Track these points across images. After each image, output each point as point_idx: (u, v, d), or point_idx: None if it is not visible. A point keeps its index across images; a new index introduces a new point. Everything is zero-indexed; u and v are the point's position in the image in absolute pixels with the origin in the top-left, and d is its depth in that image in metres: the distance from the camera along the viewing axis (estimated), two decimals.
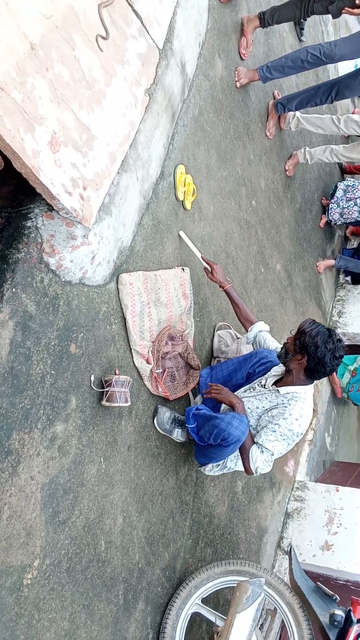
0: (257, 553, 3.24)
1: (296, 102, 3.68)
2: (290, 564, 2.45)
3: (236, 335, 2.96)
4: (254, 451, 2.17)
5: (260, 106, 3.67)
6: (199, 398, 2.67)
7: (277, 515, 3.53)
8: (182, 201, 2.69)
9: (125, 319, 2.22)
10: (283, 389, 2.27)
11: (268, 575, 2.42)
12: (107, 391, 2.01)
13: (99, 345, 2.06)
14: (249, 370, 2.52)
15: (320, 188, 4.92)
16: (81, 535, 1.92)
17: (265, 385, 2.37)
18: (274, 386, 2.33)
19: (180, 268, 2.59)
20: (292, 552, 2.47)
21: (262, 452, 2.17)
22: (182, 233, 2.62)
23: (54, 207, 1.81)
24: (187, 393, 2.66)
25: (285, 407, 2.21)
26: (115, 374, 2.11)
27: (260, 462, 2.17)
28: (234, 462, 2.38)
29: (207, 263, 2.66)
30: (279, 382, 2.36)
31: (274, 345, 2.59)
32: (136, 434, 2.26)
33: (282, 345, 2.34)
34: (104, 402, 2.01)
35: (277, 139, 3.93)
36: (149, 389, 2.35)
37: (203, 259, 2.67)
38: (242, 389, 2.46)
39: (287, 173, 4.09)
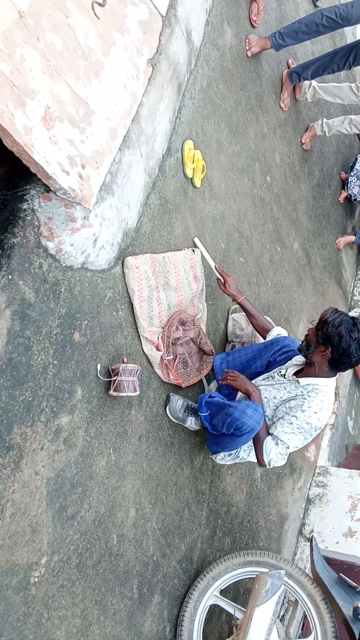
0: (278, 541, 3.16)
1: (312, 70, 3.49)
2: (312, 554, 2.36)
3: None
4: (268, 443, 2.07)
5: (273, 76, 3.49)
6: (213, 385, 2.57)
7: (299, 502, 3.44)
8: (191, 178, 2.56)
9: (132, 304, 2.12)
10: (303, 380, 2.15)
11: (288, 566, 2.34)
12: (115, 380, 1.92)
13: (105, 332, 1.97)
14: (269, 358, 2.39)
15: (339, 162, 4.71)
16: (91, 529, 1.86)
17: (285, 375, 2.25)
18: (294, 376, 2.22)
19: (190, 249, 2.47)
20: (313, 542, 2.37)
21: (277, 444, 2.06)
22: (197, 240, 2.49)
23: (51, 188, 1.70)
24: (201, 380, 2.56)
25: (305, 399, 2.09)
26: (123, 362, 2.02)
27: (274, 455, 2.06)
28: (246, 453, 2.29)
29: (220, 274, 2.52)
30: (299, 373, 2.24)
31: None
32: (147, 423, 2.18)
33: (303, 339, 2.21)
34: (111, 392, 1.92)
35: (293, 110, 3.74)
36: (159, 376, 2.26)
37: (216, 269, 2.53)
38: (260, 377, 2.35)
39: (303, 146, 3.91)
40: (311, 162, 4.07)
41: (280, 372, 2.30)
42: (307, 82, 3.69)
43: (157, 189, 2.31)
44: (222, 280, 2.51)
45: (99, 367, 1.91)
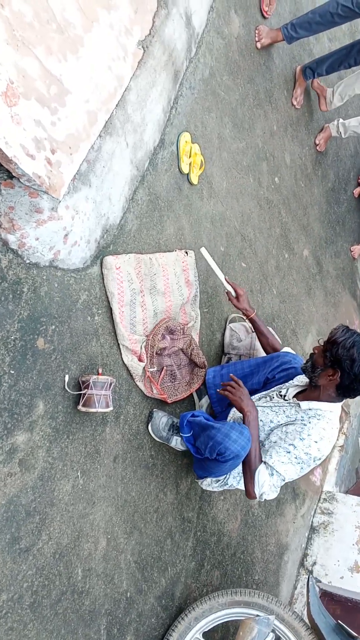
0: (276, 573, 2.89)
1: (327, 65, 3.26)
2: (308, 597, 2.10)
3: (250, 329, 2.59)
4: (261, 473, 1.82)
5: (285, 71, 3.27)
6: (204, 401, 2.34)
7: (301, 530, 3.16)
8: (187, 174, 2.34)
9: (111, 309, 1.90)
10: (305, 404, 1.90)
11: (281, 609, 2.07)
12: (84, 394, 1.70)
13: (77, 339, 1.75)
14: (267, 375, 2.15)
15: (356, 166, 4.46)
16: (50, 563, 1.63)
17: (285, 396, 2.01)
18: (294, 399, 1.97)
19: (183, 251, 2.25)
20: (310, 583, 2.11)
21: (272, 475, 1.81)
22: (203, 250, 2.25)
23: (13, 174, 1.50)
24: (191, 395, 2.32)
25: (305, 425, 1.84)
26: (99, 374, 1.81)
27: (268, 487, 1.81)
28: (236, 480, 2.04)
29: (231, 286, 2.29)
30: (301, 394, 1.99)
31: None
32: (125, 442, 1.95)
33: (308, 358, 1.96)
34: (80, 407, 1.70)
35: (306, 109, 3.51)
36: (142, 390, 2.03)
37: (227, 281, 2.29)
38: (256, 396, 2.10)
39: (317, 148, 3.67)
40: (325, 164, 3.82)
41: (280, 392, 2.05)
42: (330, 92, 3.48)
43: (146, 183, 2.09)
44: (234, 294, 2.27)
45: (67, 378, 1.69)
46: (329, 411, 1.85)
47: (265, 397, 2.08)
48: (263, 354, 2.48)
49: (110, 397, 1.75)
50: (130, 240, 2.01)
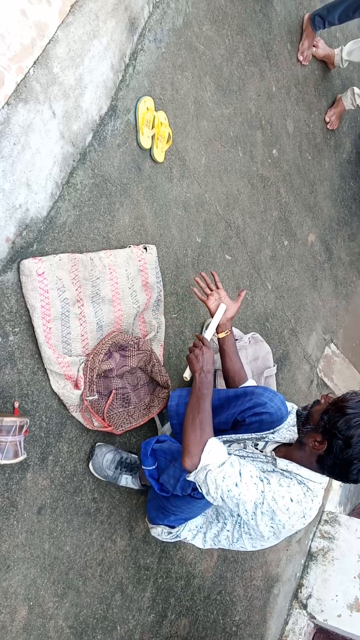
0: (263, 609, 2.53)
1: (339, 12, 2.70)
2: None
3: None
4: (216, 447, 1.37)
5: (289, 20, 2.73)
6: (167, 427, 1.95)
7: (296, 557, 2.79)
8: (149, 150, 1.90)
9: (33, 325, 1.51)
10: (282, 462, 1.48)
11: None
12: None
13: None
14: (237, 416, 1.69)
15: None
16: None
17: (262, 449, 1.60)
18: (272, 453, 1.56)
19: (140, 247, 1.83)
20: None
21: (232, 465, 1.35)
22: (222, 308, 1.76)
23: None
24: (153, 419, 1.94)
25: (284, 477, 1.43)
26: (14, 411, 1.44)
27: (216, 466, 1.34)
28: (192, 534, 1.64)
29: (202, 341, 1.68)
30: (281, 449, 1.57)
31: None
32: (55, 488, 1.59)
33: (310, 404, 1.52)
34: None
35: (315, 65, 2.97)
36: (80, 421, 1.66)
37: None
38: (224, 437, 1.68)
39: (328, 126, 3.12)
40: (340, 132, 3.28)
41: (256, 444, 1.64)
42: (338, 53, 2.93)
43: (89, 163, 1.67)
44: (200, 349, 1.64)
45: None
46: (309, 480, 1.42)
47: (238, 443, 1.66)
48: (247, 368, 2.07)
49: (21, 444, 1.38)
50: (63, 237, 1.60)
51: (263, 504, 1.36)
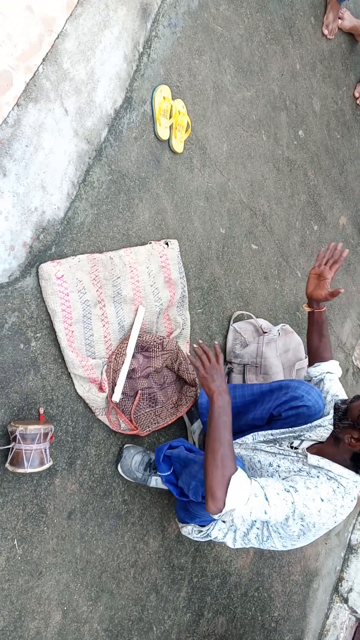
0: (302, 604, 2.49)
1: None
2: None
3: (262, 329, 2.11)
4: (241, 484, 1.27)
5: None
6: (197, 425, 1.91)
7: (336, 550, 2.73)
8: (168, 141, 1.84)
9: (55, 330, 1.48)
10: (314, 458, 1.42)
11: None
12: (12, 448, 1.32)
13: (4, 376, 1.36)
14: (272, 410, 1.64)
15: None
16: None
17: (297, 447, 1.54)
18: (305, 450, 1.50)
19: (162, 242, 1.78)
20: None
21: (256, 496, 1.27)
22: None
23: None
24: (182, 418, 1.91)
25: (312, 477, 1.37)
26: (40, 418, 1.43)
27: (242, 505, 1.26)
28: (222, 533, 1.59)
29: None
30: (314, 447, 1.51)
31: (338, 395, 1.68)
32: (85, 492, 1.57)
33: (350, 399, 1.44)
34: (7, 466, 1.33)
35: (342, 39, 2.82)
36: (106, 424, 1.63)
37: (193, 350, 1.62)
38: (249, 437, 1.63)
39: (358, 101, 2.97)
40: None
41: (292, 443, 1.57)
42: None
43: (105, 159, 1.62)
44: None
45: None
46: (342, 477, 1.36)
47: (273, 444, 1.61)
48: (274, 363, 2.00)
49: (47, 451, 1.36)
50: (82, 237, 1.56)
51: (294, 512, 1.31)
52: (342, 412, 1.42)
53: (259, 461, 1.53)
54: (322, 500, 1.32)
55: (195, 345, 1.51)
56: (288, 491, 1.31)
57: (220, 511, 1.27)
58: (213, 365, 1.45)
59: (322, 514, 1.31)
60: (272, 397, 1.65)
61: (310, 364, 1.79)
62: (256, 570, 2.23)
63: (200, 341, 1.57)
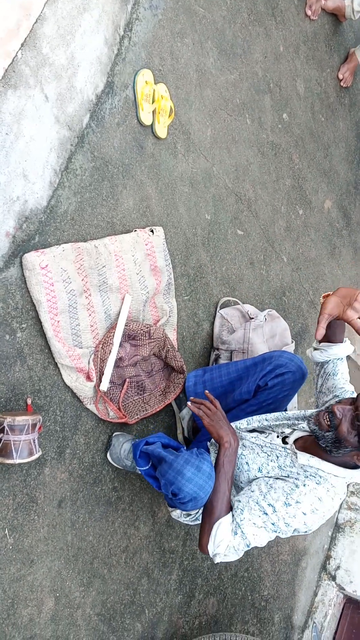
0: (291, 583, 2.55)
1: None
2: None
3: (248, 314, 2.11)
4: (222, 528, 1.38)
5: None
6: (185, 412, 1.92)
7: (323, 529, 2.78)
8: (151, 126, 1.81)
9: (41, 320, 1.48)
10: (303, 457, 1.43)
11: None
12: (0, 440, 1.33)
13: None
14: (258, 381, 1.66)
15: None
16: None
17: (286, 440, 1.54)
18: (293, 446, 1.51)
19: (147, 230, 1.77)
20: (313, 630, 1.74)
21: (235, 533, 1.39)
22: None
23: None
24: (170, 406, 1.92)
25: (297, 486, 1.39)
26: (27, 408, 1.43)
27: (224, 548, 1.38)
28: None
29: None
30: (302, 440, 1.52)
31: (343, 387, 1.59)
32: (74, 481, 1.58)
33: (326, 422, 1.37)
34: None
35: (325, 19, 2.79)
36: (95, 413, 1.64)
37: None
38: (244, 422, 1.64)
39: (342, 84, 2.95)
40: (355, 89, 3.11)
41: (283, 432, 1.58)
42: (349, 4, 2.73)
43: (87, 145, 1.60)
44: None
45: None
46: (332, 475, 1.38)
47: (258, 434, 1.61)
48: (260, 348, 2.02)
49: (35, 442, 1.36)
50: (66, 226, 1.55)
51: (278, 530, 1.38)
52: (332, 440, 1.35)
53: (246, 462, 1.54)
54: (305, 513, 1.36)
55: (189, 403, 1.57)
56: (266, 513, 1.38)
57: (209, 554, 1.42)
58: (214, 412, 1.52)
59: (309, 523, 1.36)
60: (256, 370, 1.68)
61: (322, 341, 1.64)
62: (245, 551, 2.27)
63: (192, 397, 1.63)
